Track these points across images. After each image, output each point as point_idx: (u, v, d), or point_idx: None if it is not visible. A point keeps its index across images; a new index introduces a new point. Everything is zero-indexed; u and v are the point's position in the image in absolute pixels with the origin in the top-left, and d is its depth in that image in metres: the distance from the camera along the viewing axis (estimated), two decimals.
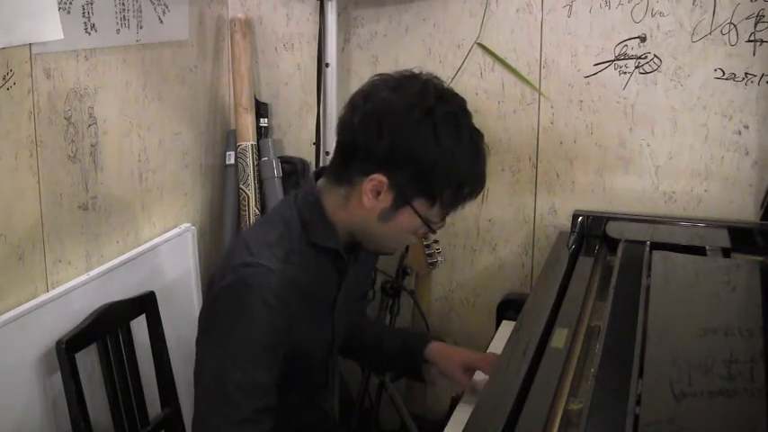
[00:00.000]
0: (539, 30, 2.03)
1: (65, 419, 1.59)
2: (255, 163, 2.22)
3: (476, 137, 1.30)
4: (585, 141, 2.04)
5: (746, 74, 1.88)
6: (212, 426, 1.26)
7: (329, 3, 2.07)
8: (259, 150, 2.24)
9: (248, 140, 2.22)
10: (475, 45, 2.09)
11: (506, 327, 1.79)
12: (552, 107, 2.06)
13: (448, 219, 1.36)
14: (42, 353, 1.58)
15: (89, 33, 1.69)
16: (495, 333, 1.84)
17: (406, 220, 1.31)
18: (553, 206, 2.11)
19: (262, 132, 2.28)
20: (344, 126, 1.32)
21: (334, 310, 1.44)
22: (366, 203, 1.29)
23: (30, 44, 1.52)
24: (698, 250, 1.77)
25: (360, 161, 1.28)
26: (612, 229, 1.96)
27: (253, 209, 2.19)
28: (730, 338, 1.32)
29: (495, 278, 2.20)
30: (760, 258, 1.74)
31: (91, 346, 1.65)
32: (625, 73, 1.97)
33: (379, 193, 1.29)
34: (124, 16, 1.80)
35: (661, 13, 1.92)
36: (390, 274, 2.17)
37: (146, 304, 1.82)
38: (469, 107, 1.33)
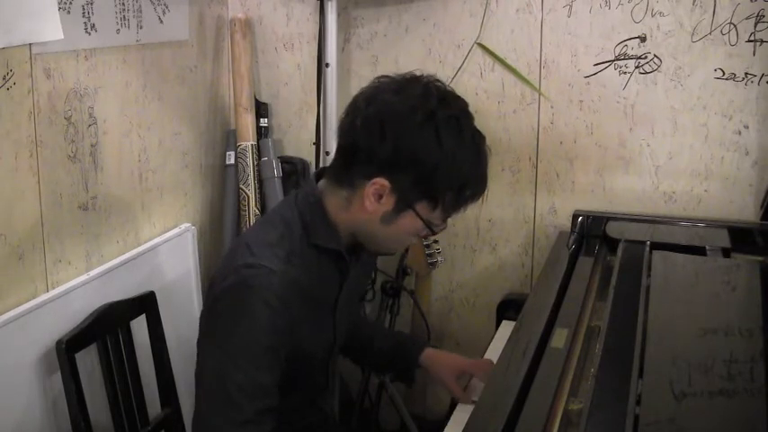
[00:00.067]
0: (539, 30, 2.03)
1: (65, 419, 1.59)
2: (255, 163, 2.22)
3: (478, 139, 1.30)
4: (585, 141, 2.04)
5: (746, 74, 1.88)
6: (213, 427, 1.26)
7: (329, 3, 2.07)
8: (259, 150, 2.24)
9: (248, 140, 2.22)
10: (475, 45, 2.09)
11: (506, 327, 1.79)
12: (552, 107, 2.06)
13: (449, 220, 1.36)
14: (42, 353, 1.58)
15: (89, 33, 1.69)
16: (495, 333, 1.84)
17: (408, 222, 1.31)
18: (553, 206, 2.11)
19: (262, 132, 2.28)
20: (346, 129, 1.31)
21: (336, 310, 1.44)
22: (368, 207, 1.29)
23: (30, 44, 1.52)
24: (698, 250, 1.77)
25: (361, 164, 1.28)
26: (612, 229, 1.96)
27: (253, 209, 2.19)
28: (730, 338, 1.32)
29: (495, 278, 2.20)
30: (760, 258, 1.74)
31: (91, 346, 1.65)
32: (625, 73, 1.97)
33: (381, 197, 1.28)
34: (124, 16, 1.80)
35: (661, 13, 1.92)
36: (390, 274, 2.17)
37: (146, 304, 1.82)
38: (470, 108, 1.33)
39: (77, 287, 1.69)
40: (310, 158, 2.27)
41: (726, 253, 1.77)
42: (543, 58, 2.04)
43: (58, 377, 1.57)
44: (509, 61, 2.07)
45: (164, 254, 1.99)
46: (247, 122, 2.23)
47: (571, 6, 1.99)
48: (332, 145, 2.10)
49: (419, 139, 1.24)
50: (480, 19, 2.07)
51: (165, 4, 1.96)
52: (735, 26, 1.86)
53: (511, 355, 1.41)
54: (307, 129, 2.29)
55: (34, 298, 1.60)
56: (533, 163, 2.10)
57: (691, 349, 1.29)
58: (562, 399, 1.27)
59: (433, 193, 1.28)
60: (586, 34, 1.99)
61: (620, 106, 2.00)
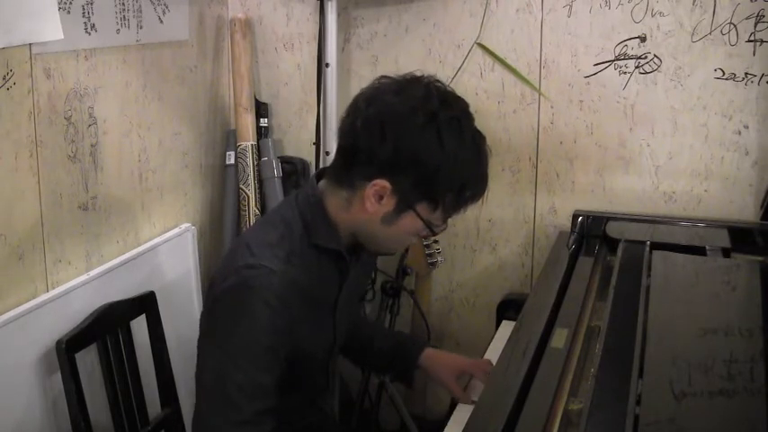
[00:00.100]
0: (539, 30, 2.03)
1: (65, 419, 1.59)
2: (255, 163, 2.22)
3: (478, 140, 1.30)
4: (585, 141, 2.04)
5: (746, 74, 1.88)
6: (213, 427, 1.26)
7: (329, 3, 2.07)
8: (259, 150, 2.24)
9: (248, 140, 2.22)
10: (475, 45, 2.09)
11: (506, 327, 1.79)
12: (552, 107, 2.06)
13: (449, 220, 1.36)
14: (42, 353, 1.58)
15: (89, 33, 1.69)
16: (495, 333, 1.84)
17: (409, 223, 1.31)
18: (553, 206, 2.11)
19: (262, 132, 2.28)
20: (346, 129, 1.31)
21: (336, 311, 1.44)
22: (369, 208, 1.29)
23: (30, 44, 1.52)
24: (698, 250, 1.77)
25: (362, 165, 1.28)
26: (612, 229, 1.96)
27: (253, 209, 2.19)
28: (730, 338, 1.32)
29: (495, 278, 2.20)
30: (760, 258, 1.74)
31: (91, 346, 1.65)
32: (625, 73, 1.97)
33: (381, 198, 1.28)
34: (124, 16, 1.80)
35: (661, 13, 1.92)
36: (390, 274, 2.17)
37: (146, 304, 1.82)
38: (470, 108, 1.33)
39: (77, 287, 1.69)
40: (310, 158, 2.27)
41: (726, 253, 1.77)
42: (543, 58, 2.04)
43: (57, 377, 1.57)
44: (509, 61, 2.07)
45: (164, 254, 1.99)
46: (247, 122, 2.23)
47: (571, 6, 1.99)
48: (332, 145, 2.10)
49: (420, 140, 1.24)
50: (480, 19, 2.07)
51: (165, 4, 1.96)
52: (735, 26, 1.86)
53: (511, 355, 1.41)
54: (307, 129, 2.29)
55: (34, 298, 1.60)
56: (533, 163, 2.10)
57: (691, 349, 1.29)
58: (562, 399, 1.27)
59: (433, 195, 1.28)
60: (586, 34, 1.99)
61: (620, 106, 2.00)
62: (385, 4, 2.16)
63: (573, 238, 1.97)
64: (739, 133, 1.91)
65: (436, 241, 2.11)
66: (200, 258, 2.15)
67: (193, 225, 2.14)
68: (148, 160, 1.96)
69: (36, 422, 1.57)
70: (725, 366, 1.22)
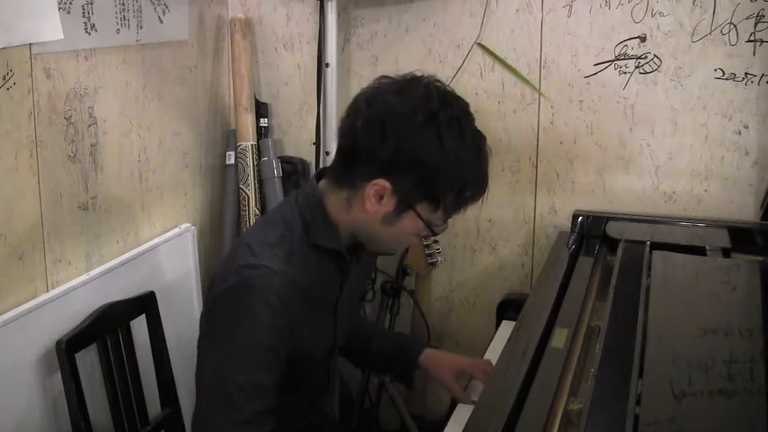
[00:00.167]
0: (539, 30, 2.03)
1: (65, 419, 1.59)
2: (255, 163, 2.22)
3: (479, 140, 1.30)
4: (585, 141, 2.04)
5: (746, 74, 1.88)
6: (213, 427, 1.26)
7: (329, 3, 2.07)
8: (259, 150, 2.24)
9: (248, 140, 2.22)
10: (475, 45, 2.09)
11: (506, 327, 1.79)
12: (552, 107, 2.06)
13: (449, 220, 1.36)
14: (42, 353, 1.58)
15: (89, 33, 1.69)
16: (495, 333, 1.84)
17: (409, 223, 1.31)
18: (553, 206, 2.11)
19: (262, 132, 2.28)
20: (347, 129, 1.31)
21: (336, 311, 1.44)
22: (369, 208, 1.29)
23: (30, 44, 1.52)
24: (698, 250, 1.77)
25: (362, 165, 1.28)
26: (612, 229, 1.96)
27: (253, 209, 2.19)
28: (730, 338, 1.32)
29: (495, 278, 2.20)
30: (760, 258, 1.74)
31: (91, 346, 1.65)
32: (625, 73, 1.97)
33: (382, 198, 1.28)
34: (124, 16, 1.80)
35: (661, 13, 1.92)
36: (390, 274, 2.17)
37: (146, 304, 1.82)
38: (470, 108, 1.33)
39: (77, 287, 1.69)
40: (310, 158, 2.27)
41: (726, 253, 1.77)
42: (543, 58, 2.04)
43: (57, 377, 1.57)
44: (509, 61, 2.07)
45: (164, 254, 1.99)
46: (247, 122, 2.23)
47: (571, 6, 1.99)
48: (332, 145, 2.10)
49: (420, 140, 1.24)
50: (480, 19, 2.07)
51: (165, 4, 1.96)
52: (735, 26, 1.86)
53: (511, 355, 1.41)
54: (307, 129, 2.29)
55: (34, 298, 1.60)
56: (533, 163, 2.10)
57: (691, 349, 1.29)
58: (562, 399, 1.27)
59: (434, 195, 1.28)
60: (586, 34, 1.99)
61: (620, 106, 2.00)
62: (385, 4, 2.16)
63: (573, 238, 1.97)
64: (739, 133, 1.91)
65: (436, 241, 2.11)
66: (200, 258, 2.15)
67: (193, 225, 2.14)
68: (148, 160, 1.96)
69: (36, 422, 1.57)
70: (725, 366, 1.22)
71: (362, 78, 2.18)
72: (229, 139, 2.27)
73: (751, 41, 1.86)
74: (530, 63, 2.06)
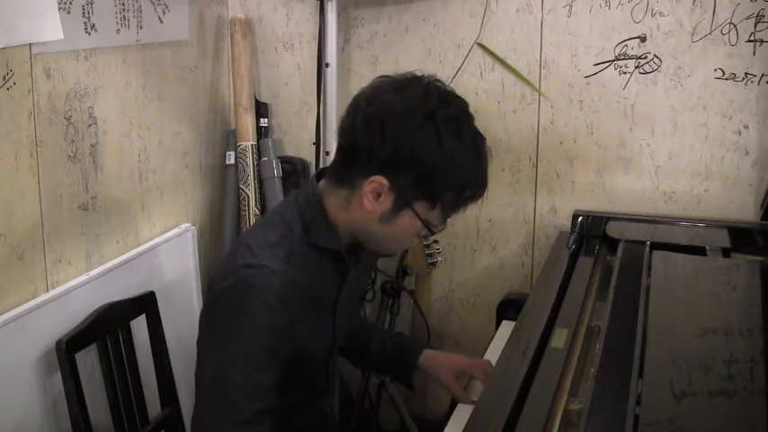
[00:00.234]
0: (539, 30, 2.03)
1: (65, 419, 1.59)
2: (255, 163, 2.22)
3: (478, 140, 1.30)
4: (585, 141, 2.04)
5: (746, 74, 1.88)
6: (213, 427, 1.25)
7: (329, 3, 2.07)
8: (259, 150, 2.24)
9: (248, 140, 2.22)
10: (475, 45, 2.09)
11: (506, 327, 1.79)
12: (552, 107, 2.06)
13: (448, 220, 1.36)
14: (42, 353, 1.58)
15: (89, 33, 1.69)
16: (495, 333, 1.84)
17: (407, 222, 1.31)
18: (553, 206, 2.11)
19: (262, 132, 2.28)
20: (346, 128, 1.31)
21: (336, 311, 1.44)
22: (367, 205, 1.29)
23: (30, 44, 1.52)
24: (698, 250, 1.77)
25: (361, 163, 1.28)
26: (612, 229, 1.96)
27: (253, 209, 2.19)
28: (730, 338, 1.32)
29: (495, 278, 2.20)
30: (760, 258, 1.74)
31: (91, 346, 1.65)
32: (625, 73, 1.97)
33: (379, 195, 1.28)
34: (124, 16, 1.80)
35: (661, 13, 1.92)
36: (390, 274, 2.17)
37: (146, 304, 1.82)
38: (470, 108, 1.33)
39: (77, 287, 1.69)
40: (310, 158, 2.27)
41: (726, 253, 1.77)
42: (543, 58, 2.04)
43: (57, 377, 1.57)
44: (509, 61, 2.07)
45: (164, 254, 1.99)
46: (247, 122, 2.23)
47: (571, 6, 1.99)
48: (332, 145, 2.10)
49: (419, 138, 1.24)
50: (480, 19, 2.07)
51: (165, 4, 1.96)
52: (735, 26, 1.86)
53: (511, 355, 1.41)
54: (307, 129, 2.29)
55: (34, 298, 1.60)
56: (533, 163, 2.10)
57: (691, 349, 1.29)
58: (562, 399, 1.27)
59: (431, 193, 1.28)
60: (586, 34, 1.99)
61: (620, 106, 2.00)
62: (385, 4, 2.16)
63: (573, 238, 1.97)
64: (739, 133, 1.91)
65: (436, 241, 2.11)
66: (200, 258, 2.15)
67: (193, 225, 2.14)
68: (148, 160, 1.96)
69: (36, 422, 1.57)
70: (725, 366, 1.22)
71: (362, 78, 2.18)
72: (229, 139, 2.27)
73: (751, 41, 1.86)
74: (530, 63, 2.06)
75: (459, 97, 1.32)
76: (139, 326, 1.80)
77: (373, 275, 2.18)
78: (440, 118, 1.25)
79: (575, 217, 2.01)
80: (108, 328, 1.69)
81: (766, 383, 1.15)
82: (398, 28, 2.16)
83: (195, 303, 2.09)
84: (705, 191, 1.97)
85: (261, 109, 2.29)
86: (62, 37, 1.55)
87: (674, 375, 1.19)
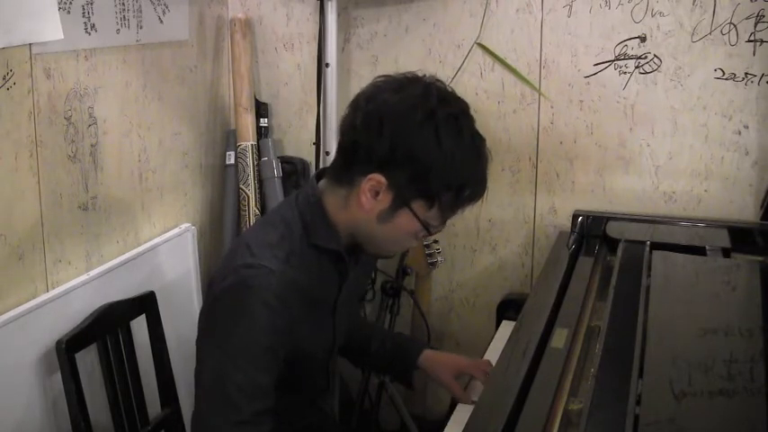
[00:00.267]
0: (539, 30, 2.03)
1: (65, 419, 1.59)
2: (255, 163, 2.22)
3: (478, 141, 1.30)
4: (585, 141, 2.04)
5: (746, 74, 1.88)
6: (212, 427, 1.25)
7: (329, 3, 2.07)
8: (259, 150, 2.24)
9: (248, 140, 2.22)
10: (475, 45, 2.09)
11: (506, 327, 1.78)
12: (552, 107, 2.06)
13: (447, 221, 1.36)
14: (42, 353, 1.58)
15: (89, 33, 1.69)
16: (495, 333, 1.84)
17: (405, 222, 1.30)
18: (553, 206, 2.11)
19: (262, 132, 2.28)
20: (346, 127, 1.32)
21: (335, 311, 1.44)
22: (365, 203, 1.29)
23: (30, 44, 1.52)
24: (698, 250, 1.77)
25: (360, 162, 1.28)
26: (612, 229, 1.96)
27: (253, 209, 2.19)
28: (730, 338, 1.32)
29: (495, 278, 2.20)
30: (760, 258, 1.74)
31: (91, 346, 1.65)
32: (625, 73, 1.97)
33: (377, 194, 1.28)
34: (124, 16, 1.80)
35: (661, 13, 1.92)
36: (390, 274, 2.17)
37: (146, 304, 1.82)
38: (470, 109, 1.33)
39: (77, 287, 1.69)
40: (310, 158, 2.27)
41: (726, 253, 1.77)
42: (543, 58, 2.04)
43: (57, 377, 1.57)
44: (509, 61, 2.07)
45: (164, 254, 1.99)
46: (247, 122, 2.23)
47: (571, 6, 1.99)
48: (332, 145, 2.10)
49: (418, 136, 1.24)
50: (480, 19, 2.07)
51: (165, 4, 1.96)
52: (735, 26, 1.86)
53: (511, 355, 1.41)
54: (307, 129, 2.29)
55: (34, 298, 1.60)
56: (533, 163, 2.10)
57: (691, 349, 1.29)
58: (562, 399, 1.27)
59: (429, 192, 1.27)
60: (586, 34, 1.99)
61: (620, 106, 2.00)
62: (385, 4, 2.16)
63: (573, 238, 1.97)
64: (739, 133, 1.91)
65: (436, 241, 2.11)
66: (200, 258, 2.15)
67: (193, 225, 2.14)
68: (148, 160, 1.96)
69: (36, 422, 1.57)
70: (725, 366, 1.22)
71: (362, 78, 2.18)
72: (229, 139, 2.27)
73: (751, 41, 1.86)
74: (530, 63, 2.06)
75: (459, 98, 1.32)
76: (139, 326, 1.80)
77: (373, 275, 2.18)
78: (439, 117, 1.25)
79: (575, 217, 2.01)
80: (108, 328, 1.69)
81: (766, 383, 1.15)
82: (398, 28, 2.16)
83: (195, 303, 2.09)
84: (705, 191, 1.97)
85: (261, 109, 2.29)
86: (62, 37, 1.55)
87: (674, 375, 1.19)
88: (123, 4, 1.79)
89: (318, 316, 1.41)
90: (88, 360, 1.67)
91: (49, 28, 1.53)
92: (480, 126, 1.32)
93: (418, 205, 1.29)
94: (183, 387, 1.88)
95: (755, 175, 1.92)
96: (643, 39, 1.94)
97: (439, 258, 2.12)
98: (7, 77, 1.48)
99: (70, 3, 1.62)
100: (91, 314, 1.68)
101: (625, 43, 1.96)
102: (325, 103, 2.12)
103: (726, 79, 1.89)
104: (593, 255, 1.88)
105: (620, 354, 1.31)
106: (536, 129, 2.08)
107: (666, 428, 1.09)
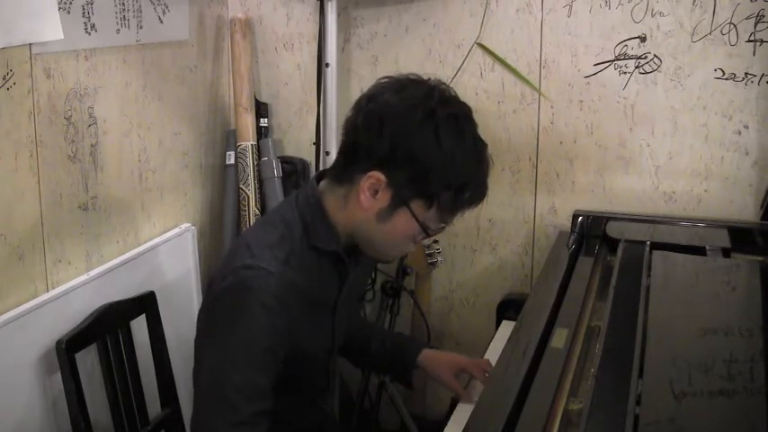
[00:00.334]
0: (539, 30, 2.03)
1: (65, 419, 1.59)
2: (255, 163, 2.22)
3: (480, 145, 1.30)
4: (585, 141, 2.04)
5: (746, 74, 1.88)
6: (210, 427, 1.25)
7: (329, 3, 2.07)
8: (259, 150, 2.24)
9: (248, 140, 2.22)
10: (475, 45, 2.09)
11: (506, 327, 1.79)
12: (552, 107, 2.06)
13: (446, 224, 1.36)
14: (42, 353, 1.58)
15: (89, 33, 1.69)
16: (495, 333, 1.84)
17: (404, 222, 1.30)
18: (553, 206, 2.11)
19: (262, 132, 2.28)
20: (348, 127, 1.32)
21: (335, 312, 1.44)
22: (363, 201, 1.29)
23: (30, 44, 1.52)
24: (698, 250, 1.77)
25: (360, 161, 1.28)
26: (612, 229, 1.96)
27: (253, 209, 2.19)
28: (730, 338, 1.32)
29: (495, 278, 2.20)
30: (760, 258, 1.74)
31: (91, 346, 1.65)
32: (625, 73, 1.97)
33: (376, 192, 1.28)
34: (124, 16, 1.80)
35: (661, 13, 1.92)
36: (390, 274, 2.17)
37: (146, 304, 1.82)
38: (472, 113, 1.32)
39: (77, 287, 1.69)
40: (310, 158, 2.27)
41: (726, 253, 1.77)
42: (543, 58, 2.04)
43: (57, 377, 1.57)
44: (509, 61, 2.07)
45: (164, 254, 1.99)
46: (247, 122, 2.23)
47: (571, 6, 1.99)
48: (332, 145, 2.10)
49: (418, 136, 1.24)
50: (480, 19, 2.07)
51: (165, 4, 1.96)
52: (735, 26, 1.86)
53: (511, 355, 1.41)
54: (307, 129, 2.29)
55: (34, 298, 1.60)
56: (533, 163, 2.10)
57: (691, 349, 1.29)
58: (562, 399, 1.27)
59: (428, 192, 1.27)
60: (586, 34, 1.99)
61: (620, 106, 2.00)
62: (385, 4, 2.16)
63: (573, 238, 1.97)
64: (739, 133, 1.91)
65: (436, 241, 2.11)
66: (200, 258, 2.15)
67: (193, 225, 2.14)
68: (148, 160, 1.96)
69: (36, 422, 1.57)
70: (725, 366, 1.22)
71: (362, 78, 2.18)
72: (229, 139, 2.27)
73: (751, 41, 1.86)
74: (530, 63, 2.06)
75: (462, 102, 1.32)
76: (139, 326, 1.80)
77: (373, 275, 2.18)
78: (439, 117, 1.25)
79: (575, 217, 2.01)
80: (108, 328, 1.69)
81: (766, 383, 1.15)
82: (398, 28, 2.16)
83: (195, 303, 2.09)
84: (705, 191, 1.97)
85: (261, 109, 2.29)
86: (62, 37, 1.55)
87: (674, 375, 1.19)
88: (123, 4, 1.79)
89: (318, 317, 1.41)
90: (88, 360, 1.67)
91: (49, 28, 1.53)
92: (480, 126, 1.32)
93: (417, 205, 1.29)
94: (182, 387, 1.88)
95: (755, 175, 1.92)
96: (643, 39, 1.94)
97: (439, 258, 2.12)
98: (7, 77, 1.48)
99: (70, 3, 1.62)
100: (91, 314, 1.68)
101: (625, 43, 1.96)
102: (325, 103, 2.12)
103: (726, 79, 1.89)
104: (593, 255, 1.88)
105: (620, 354, 1.31)
106: (536, 129, 2.08)
107: (666, 428, 1.09)
